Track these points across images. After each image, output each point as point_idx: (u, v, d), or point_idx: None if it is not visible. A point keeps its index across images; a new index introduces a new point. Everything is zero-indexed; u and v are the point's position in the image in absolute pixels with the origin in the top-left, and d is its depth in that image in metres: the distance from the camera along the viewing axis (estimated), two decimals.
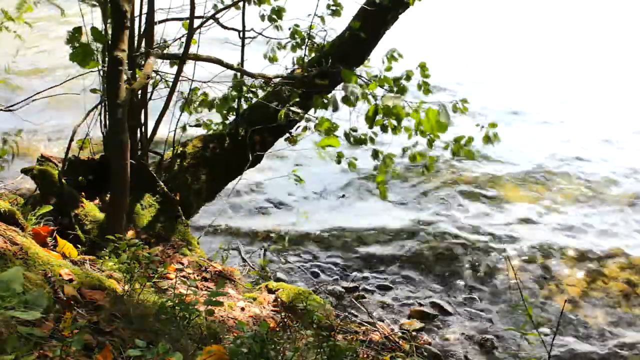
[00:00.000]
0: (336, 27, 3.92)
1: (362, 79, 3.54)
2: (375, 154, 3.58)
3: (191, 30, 3.40)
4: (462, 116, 3.50)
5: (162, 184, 3.56)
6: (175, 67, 3.52)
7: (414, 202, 5.58)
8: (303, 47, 3.89)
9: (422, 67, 3.65)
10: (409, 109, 3.26)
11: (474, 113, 5.57)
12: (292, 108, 3.32)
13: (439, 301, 4.21)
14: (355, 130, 3.48)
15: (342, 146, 3.51)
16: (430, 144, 3.47)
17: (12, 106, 3.31)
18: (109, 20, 3.10)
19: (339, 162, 3.59)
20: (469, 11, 11.04)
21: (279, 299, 3.16)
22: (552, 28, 10.65)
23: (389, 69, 3.65)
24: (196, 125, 3.94)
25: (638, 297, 4.33)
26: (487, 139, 3.43)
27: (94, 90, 3.33)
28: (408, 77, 3.60)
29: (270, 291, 3.29)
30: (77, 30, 2.99)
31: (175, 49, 3.64)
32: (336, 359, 2.18)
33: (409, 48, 3.86)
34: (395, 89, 3.54)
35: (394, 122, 3.29)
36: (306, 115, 3.37)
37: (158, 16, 3.51)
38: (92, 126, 3.51)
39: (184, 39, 3.53)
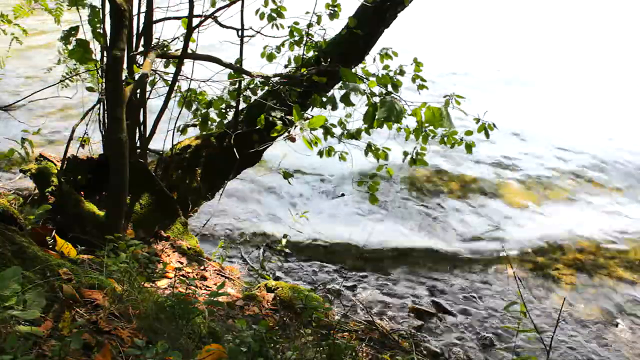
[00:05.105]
0: (335, 25, 3.91)
1: (360, 76, 3.53)
2: (368, 149, 3.63)
3: (190, 29, 3.40)
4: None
5: (160, 183, 3.55)
6: (172, 67, 3.51)
7: (412, 201, 5.58)
8: (302, 45, 3.88)
9: (416, 62, 3.69)
10: (407, 107, 3.28)
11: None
12: (272, 113, 3.39)
13: (438, 299, 4.21)
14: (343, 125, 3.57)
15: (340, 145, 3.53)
16: (425, 139, 3.49)
17: (8, 106, 3.30)
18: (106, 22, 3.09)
19: (329, 155, 3.65)
20: (468, 12, 11.05)
21: (277, 298, 3.16)
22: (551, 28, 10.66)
23: (386, 67, 3.65)
24: (194, 125, 3.93)
25: (637, 293, 4.34)
26: (483, 129, 3.44)
27: (90, 89, 3.33)
28: (401, 72, 3.63)
29: (269, 290, 3.29)
30: (74, 29, 2.99)
31: (174, 47, 3.63)
32: (335, 358, 2.18)
33: (411, 47, 3.86)
34: (391, 87, 3.54)
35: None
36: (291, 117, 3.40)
37: (156, 15, 3.51)
38: (90, 125, 3.50)
39: (182, 38, 3.52)
